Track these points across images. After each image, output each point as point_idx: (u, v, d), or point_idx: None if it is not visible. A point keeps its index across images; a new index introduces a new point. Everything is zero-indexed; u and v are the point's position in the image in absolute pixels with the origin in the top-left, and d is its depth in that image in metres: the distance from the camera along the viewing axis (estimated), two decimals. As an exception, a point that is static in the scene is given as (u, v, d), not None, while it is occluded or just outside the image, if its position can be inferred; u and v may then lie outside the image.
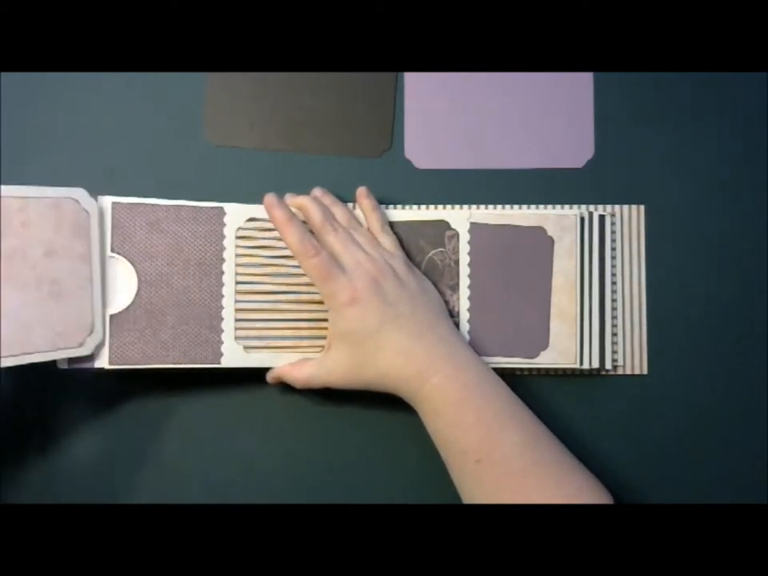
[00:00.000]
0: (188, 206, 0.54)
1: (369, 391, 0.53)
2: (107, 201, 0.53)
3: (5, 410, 0.56)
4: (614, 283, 0.57)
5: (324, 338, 0.55)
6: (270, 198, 0.53)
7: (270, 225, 0.54)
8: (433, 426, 0.51)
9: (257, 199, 0.55)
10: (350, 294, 0.51)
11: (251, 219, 0.55)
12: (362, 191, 0.56)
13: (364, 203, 0.56)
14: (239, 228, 0.55)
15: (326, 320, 0.54)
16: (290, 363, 0.54)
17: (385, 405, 0.55)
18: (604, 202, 0.58)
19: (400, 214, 0.57)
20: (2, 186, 0.47)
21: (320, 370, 0.53)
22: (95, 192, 0.57)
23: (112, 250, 0.52)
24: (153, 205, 0.53)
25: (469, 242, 0.55)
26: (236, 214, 0.55)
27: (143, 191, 0.57)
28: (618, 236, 0.58)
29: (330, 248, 0.52)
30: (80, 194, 0.50)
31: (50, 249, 0.47)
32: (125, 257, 0.52)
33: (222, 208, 0.55)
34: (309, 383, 0.53)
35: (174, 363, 0.52)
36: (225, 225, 0.54)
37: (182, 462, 0.56)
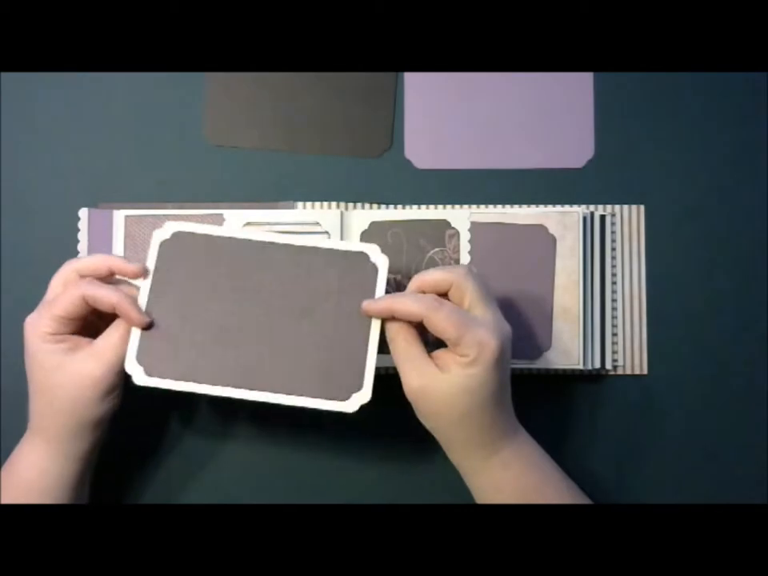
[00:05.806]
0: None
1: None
2: None
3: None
4: (614, 283, 0.57)
5: None
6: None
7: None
8: (497, 496, 0.49)
9: (256, 199, 0.54)
10: (497, 348, 0.45)
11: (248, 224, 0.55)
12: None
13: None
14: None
15: None
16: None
17: (384, 405, 0.55)
18: (604, 202, 0.58)
19: (400, 213, 0.56)
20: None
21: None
22: (95, 192, 0.58)
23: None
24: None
25: (470, 241, 0.55)
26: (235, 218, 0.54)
27: (143, 191, 0.58)
28: (617, 236, 0.58)
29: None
30: (372, 249, 0.48)
31: (330, 301, 0.47)
32: None
33: (221, 214, 0.54)
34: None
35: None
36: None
37: (182, 462, 0.56)
